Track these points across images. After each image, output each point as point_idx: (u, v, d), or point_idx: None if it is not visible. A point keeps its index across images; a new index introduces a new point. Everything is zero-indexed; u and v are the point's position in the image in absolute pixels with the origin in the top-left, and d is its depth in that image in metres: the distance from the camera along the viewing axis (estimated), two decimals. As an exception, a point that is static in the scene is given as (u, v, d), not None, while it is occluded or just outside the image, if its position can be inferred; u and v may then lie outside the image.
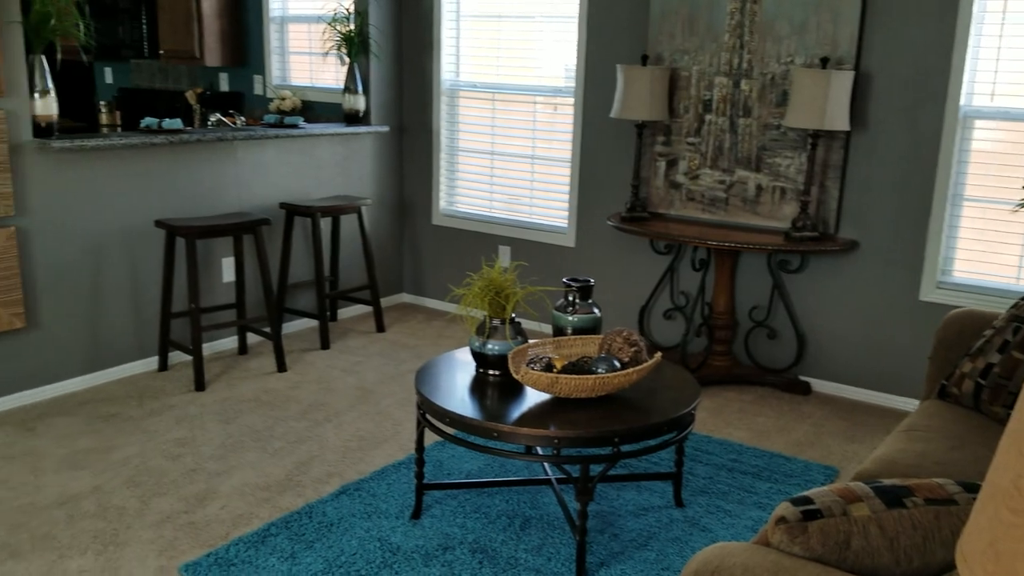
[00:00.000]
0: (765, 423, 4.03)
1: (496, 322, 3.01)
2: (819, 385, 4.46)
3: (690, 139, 4.58)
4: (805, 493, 1.67)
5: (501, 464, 3.47)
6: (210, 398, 4.10)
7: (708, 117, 4.51)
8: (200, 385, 4.19)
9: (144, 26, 6.75)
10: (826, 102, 3.92)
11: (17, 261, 3.83)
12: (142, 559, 2.78)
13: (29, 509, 3.06)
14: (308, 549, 2.84)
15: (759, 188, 4.41)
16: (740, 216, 4.48)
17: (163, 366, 4.43)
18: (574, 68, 4.96)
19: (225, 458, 3.50)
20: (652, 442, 3.10)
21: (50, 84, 3.93)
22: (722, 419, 4.05)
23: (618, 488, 3.32)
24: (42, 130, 3.92)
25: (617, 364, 2.86)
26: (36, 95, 3.88)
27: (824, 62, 4.06)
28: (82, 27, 4.03)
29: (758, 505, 3.23)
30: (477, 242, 5.50)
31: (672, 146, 4.64)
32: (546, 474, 3.28)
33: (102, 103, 7.31)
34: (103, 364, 4.26)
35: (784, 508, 1.65)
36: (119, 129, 7.05)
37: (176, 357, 4.53)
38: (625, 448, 2.74)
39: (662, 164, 4.69)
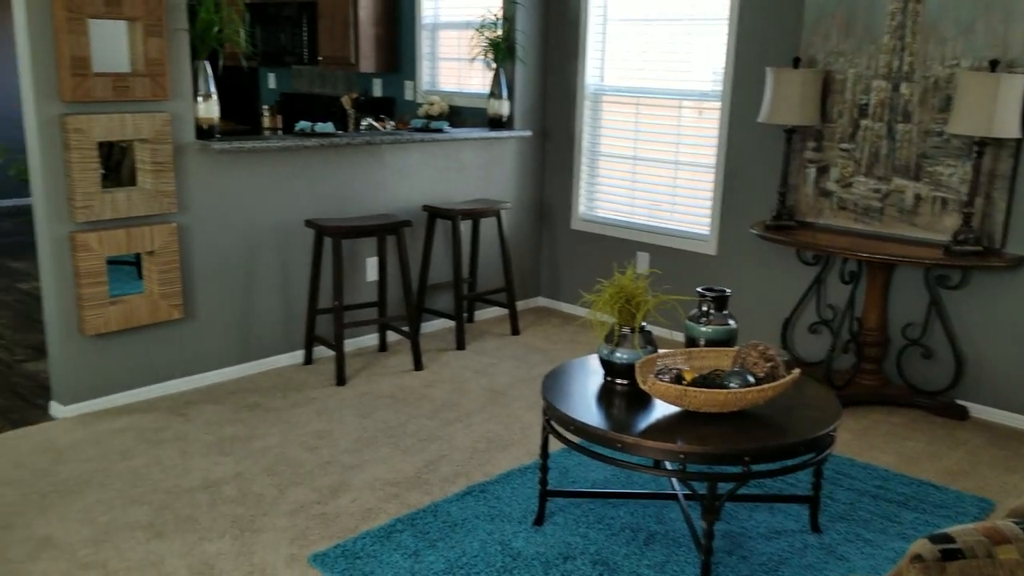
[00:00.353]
0: (915, 448, 3.77)
1: (625, 330, 2.95)
2: (977, 410, 4.14)
3: (843, 145, 4.36)
4: (946, 530, 1.54)
5: (628, 475, 3.41)
6: (349, 392, 4.23)
7: (864, 122, 4.27)
8: (341, 380, 4.33)
9: (305, 34, 7.06)
10: (995, 107, 3.63)
11: (177, 256, 4.07)
12: (275, 546, 2.89)
13: (175, 491, 3.24)
14: (431, 548, 2.87)
15: (918, 198, 4.14)
16: (896, 227, 4.23)
17: (308, 360, 4.60)
18: (722, 71, 4.82)
19: (359, 452, 3.59)
20: (788, 462, 2.96)
21: (212, 88, 4.15)
22: (867, 442, 3.83)
23: (750, 508, 3.19)
24: (204, 132, 4.14)
25: (751, 379, 2.75)
26: (199, 99, 4.11)
27: (993, 65, 3.77)
28: (243, 34, 4.24)
29: (902, 536, 3.02)
30: (615, 248, 5.43)
31: (823, 152, 4.43)
32: (673, 489, 3.19)
33: (265, 107, 7.71)
34: (252, 356, 4.47)
35: (921, 545, 1.52)
36: (279, 132, 7.41)
37: (320, 352, 4.70)
38: (756, 468, 2.62)
39: (812, 171, 4.48)
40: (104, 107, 3.76)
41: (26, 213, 4.98)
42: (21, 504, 3.10)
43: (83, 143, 3.69)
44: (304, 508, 3.14)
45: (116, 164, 4.18)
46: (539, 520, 3.04)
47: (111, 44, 3.77)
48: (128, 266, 4.18)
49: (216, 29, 4.05)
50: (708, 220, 5.01)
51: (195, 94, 4.09)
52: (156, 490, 3.24)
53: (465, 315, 5.37)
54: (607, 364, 2.99)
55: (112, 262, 3.96)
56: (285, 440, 3.69)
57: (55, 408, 3.90)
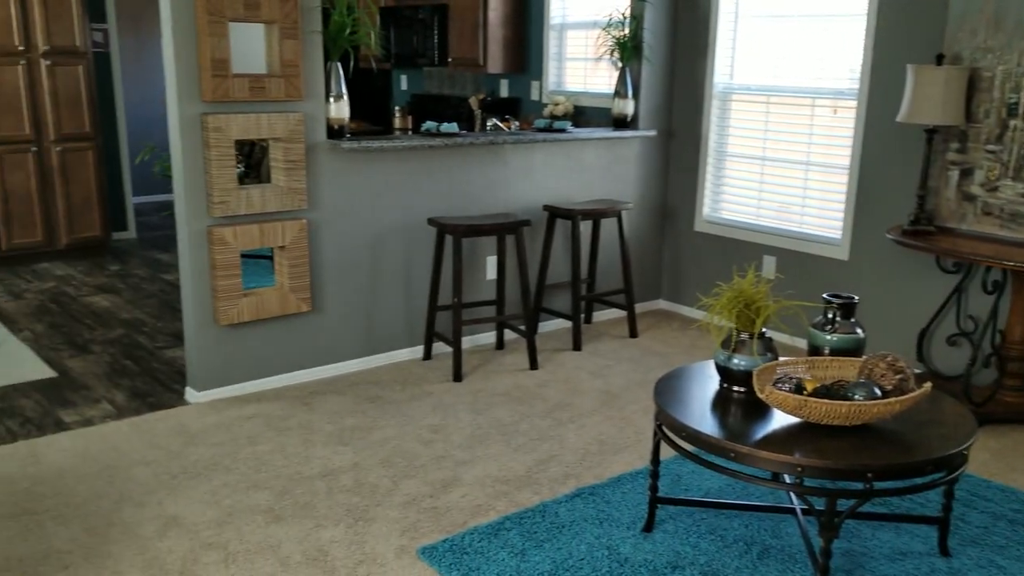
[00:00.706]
0: (1063, 473, 3.51)
1: (744, 336, 2.87)
2: None
3: (990, 146, 4.09)
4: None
5: (743, 486, 3.30)
6: (465, 389, 4.27)
7: (1013, 122, 4.00)
8: (458, 376, 4.38)
9: (436, 36, 7.19)
10: None
11: (307, 251, 4.21)
12: (386, 537, 2.95)
13: (296, 478, 3.36)
14: (538, 548, 2.87)
15: (1073, 203, 3.85)
16: (1047, 235, 3.94)
17: (427, 355, 4.69)
18: (859, 68, 4.61)
19: (472, 448, 3.63)
20: (916, 481, 2.80)
21: (344, 89, 4.27)
22: (1007, 463, 3.58)
23: (873, 527, 3.04)
24: (334, 132, 4.27)
25: (878, 391, 2.62)
26: (331, 99, 4.24)
27: None
28: (373, 36, 4.34)
29: (1042, 567, 2.81)
30: (741, 251, 5.28)
31: (967, 154, 4.17)
32: (791, 503, 3.07)
33: (396, 108, 7.90)
34: (374, 349, 4.58)
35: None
36: (410, 132, 7.57)
37: (439, 348, 4.77)
38: (880, 485, 2.49)
39: (954, 173, 4.23)
40: (241, 107, 3.93)
41: (173, 208, 5.28)
42: (153, 483, 3.28)
43: (221, 141, 3.87)
44: (416, 501, 3.19)
45: (257, 162, 4.37)
46: (648, 527, 2.99)
47: (249, 46, 3.94)
48: (266, 260, 4.37)
49: (348, 31, 4.16)
50: (840, 224, 4.81)
51: (327, 95, 4.22)
52: (278, 476, 3.37)
53: (583, 316, 5.34)
54: (723, 370, 2.91)
55: (252, 256, 4.13)
56: (402, 433, 3.77)
57: (190, 393, 4.11)
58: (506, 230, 4.45)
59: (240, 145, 4.01)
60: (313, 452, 3.58)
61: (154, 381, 4.34)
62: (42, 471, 3.36)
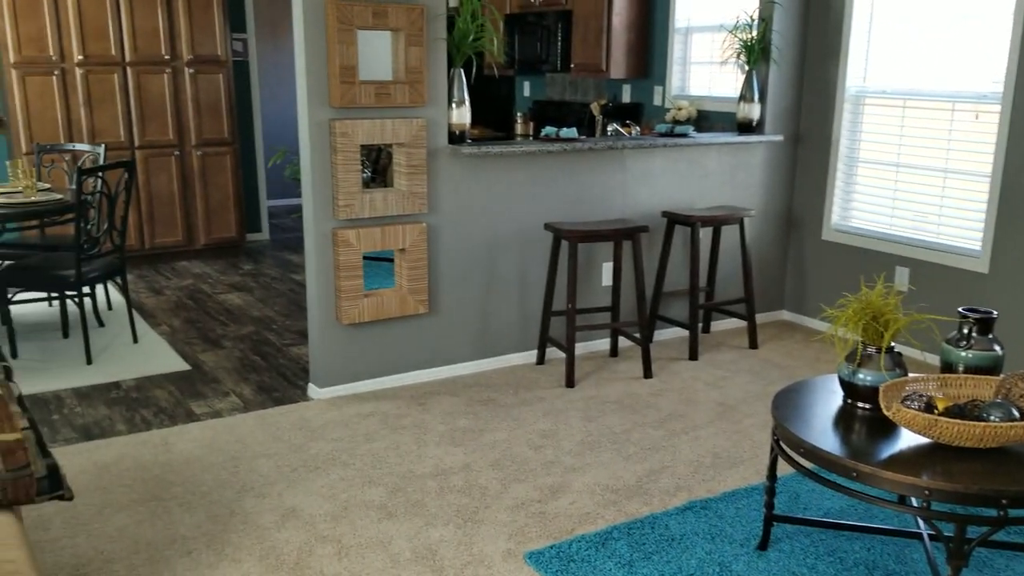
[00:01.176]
0: None
1: (871, 349, 2.74)
2: None
3: None
4: None
5: (866, 507, 3.15)
6: (577, 395, 4.25)
7: None
8: (570, 382, 4.36)
9: (560, 42, 7.20)
10: None
11: (426, 254, 4.29)
12: (494, 539, 2.96)
13: (408, 476, 3.41)
14: (646, 560, 2.82)
15: None
16: None
17: (540, 360, 4.69)
18: (1003, 71, 4.34)
19: (582, 455, 3.60)
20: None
21: (465, 95, 4.33)
22: None
23: (1008, 557, 2.84)
24: (455, 137, 4.34)
25: (1016, 413, 2.45)
26: (453, 105, 4.30)
27: None
28: (497, 43, 4.38)
29: None
30: (871, 261, 5.06)
31: None
32: (917, 527, 2.91)
33: (519, 114, 7.96)
34: (488, 353, 4.61)
35: None
36: (531, 138, 7.61)
37: (553, 353, 4.77)
38: (1015, 513, 2.33)
39: (1111, 183, 3.93)
40: (367, 112, 4.04)
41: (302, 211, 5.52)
42: (275, 475, 3.40)
43: (347, 146, 3.98)
44: (524, 505, 3.19)
45: (383, 167, 4.48)
46: (763, 545, 2.89)
47: (375, 53, 4.04)
48: (386, 262, 4.48)
49: (472, 38, 4.21)
50: (980, 234, 4.54)
51: (449, 101, 4.28)
52: (392, 473, 3.43)
53: (701, 325, 5.23)
54: (847, 385, 2.78)
55: (373, 258, 4.24)
56: (512, 436, 3.78)
57: (312, 390, 4.24)
58: (623, 236, 4.40)
59: (367, 150, 4.11)
60: (426, 451, 3.63)
61: (280, 377, 4.50)
62: (172, 459, 3.53)
